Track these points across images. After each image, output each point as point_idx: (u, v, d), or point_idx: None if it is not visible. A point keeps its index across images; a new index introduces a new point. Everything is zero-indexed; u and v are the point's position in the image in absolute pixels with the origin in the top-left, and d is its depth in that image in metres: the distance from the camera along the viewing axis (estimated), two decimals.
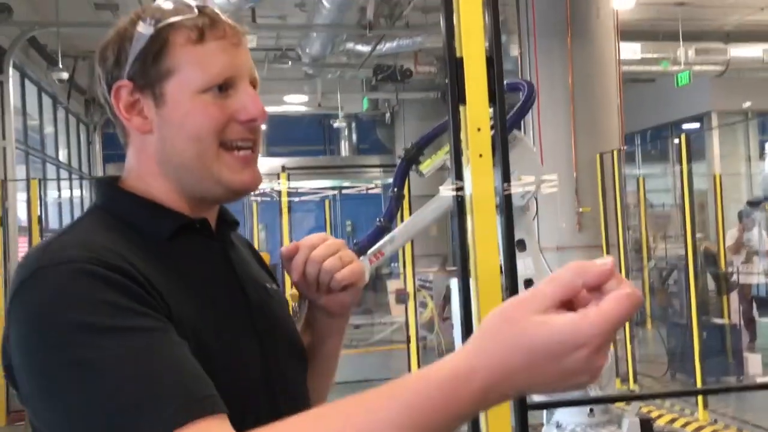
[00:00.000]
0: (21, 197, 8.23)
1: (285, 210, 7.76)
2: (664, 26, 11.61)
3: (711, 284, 9.31)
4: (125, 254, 0.83)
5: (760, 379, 7.12)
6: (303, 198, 14.32)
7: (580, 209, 7.23)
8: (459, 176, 1.69)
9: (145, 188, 0.95)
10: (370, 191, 15.69)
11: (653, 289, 10.69)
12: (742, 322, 8.45)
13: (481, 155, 1.63)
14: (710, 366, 6.72)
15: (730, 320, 8.23)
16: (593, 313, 0.59)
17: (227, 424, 0.73)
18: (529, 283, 3.99)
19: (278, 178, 8.03)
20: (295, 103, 14.81)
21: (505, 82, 1.80)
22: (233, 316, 0.93)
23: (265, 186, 13.71)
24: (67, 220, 11.69)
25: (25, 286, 0.79)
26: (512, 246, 1.83)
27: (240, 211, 14.06)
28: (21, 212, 8.12)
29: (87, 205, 13.73)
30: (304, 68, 12.32)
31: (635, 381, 7.30)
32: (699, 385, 6.22)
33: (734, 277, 9.08)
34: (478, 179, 1.63)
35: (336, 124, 16.64)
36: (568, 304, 0.62)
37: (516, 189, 3.48)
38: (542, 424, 3.86)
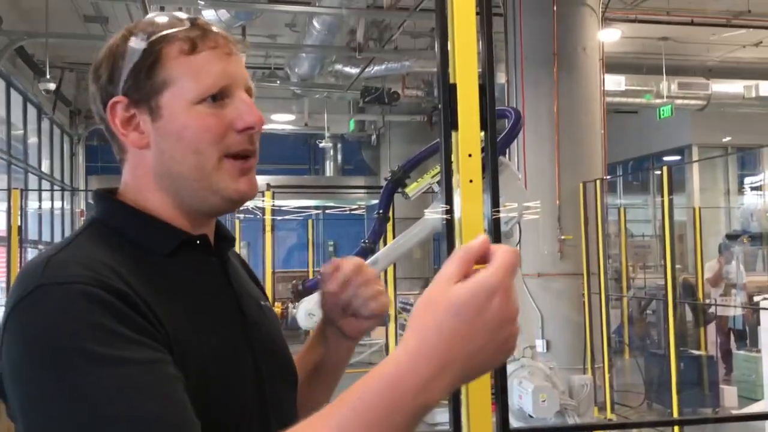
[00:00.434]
0: (1, 207, 8.15)
1: (269, 228, 7.74)
2: (648, 60, 11.82)
3: (689, 315, 9.40)
4: (124, 273, 0.83)
5: (735, 412, 7.17)
6: (286, 217, 14.29)
7: (562, 237, 7.29)
8: (449, 200, 1.71)
9: (144, 203, 0.94)
10: (353, 212, 15.69)
11: (632, 319, 10.76)
12: (719, 354, 8.52)
13: (471, 180, 1.65)
14: (687, 397, 6.76)
15: (707, 352, 8.30)
16: (489, 267, 0.68)
17: None
18: None
19: (263, 196, 8.02)
20: (282, 122, 14.83)
21: None
22: (230, 335, 0.93)
23: (248, 203, 13.65)
24: (47, 232, 11.58)
25: (23, 303, 0.78)
26: None
27: None
28: (0, 222, 8.04)
29: (68, 216, 13.56)
30: (292, 87, 12.37)
31: (612, 410, 7.32)
32: (675, 415, 6.25)
33: (711, 309, 9.17)
34: (468, 204, 1.65)
35: (322, 144, 16.65)
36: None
37: (501, 215, 3.52)
38: None
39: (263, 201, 8.00)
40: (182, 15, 0.95)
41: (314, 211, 15.48)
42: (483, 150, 1.81)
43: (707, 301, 9.21)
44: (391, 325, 9.61)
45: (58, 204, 12.40)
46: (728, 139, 13.57)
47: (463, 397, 1.70)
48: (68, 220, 13.17)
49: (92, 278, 0.79)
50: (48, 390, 0.73)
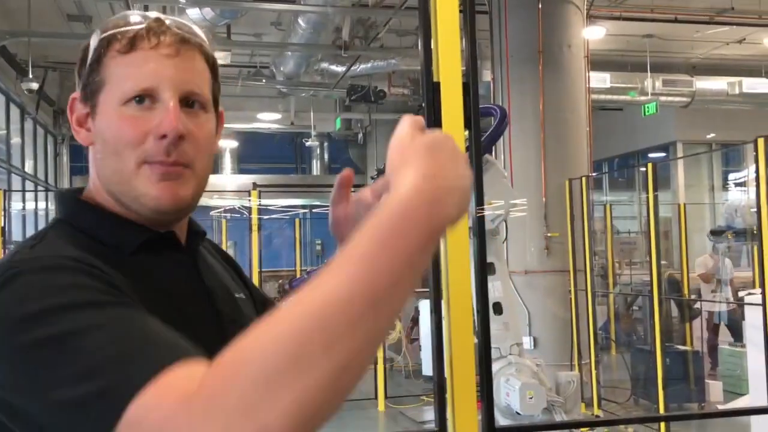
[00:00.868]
0: None
1: (255, 227, 7.71)
2: (633, 57, 11.89)
3: (675, 311, 9.46)
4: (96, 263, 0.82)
5: (721, 407, 7.23)
6: (273, 216, 14.25)
7: (549, 234, 7.32)
8: None
9: (104, 202, 0.94)
10: None
11: (618, 315, 10.81)
12: (705, 350, 8.58)
13: None
14: (673, 392, 6.80)
15: (692, 347, 8.36)
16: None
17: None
18: (496, 306, 4.03)
19: (249, 195, 7.99)
20: (268, 121, 14.79)
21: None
22: (202, 331, 0.90)
23: (234, 203, 13.63)
24: (31, 232, 11.47)
25: None
26: (485, 269, 1.84)
27: (209, 227, 13.93)
28: None
29: (52, 217, 13.61)
30: (278, 86, 12.33)
31: (599, 406, 7.36)
32: (662, 411, 6.29)
33: (697, 305, 9.23)
34: None
35: (308, 143, 16.65)
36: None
37: (486, 212, 3.52)
38: None
39: (249, 200, 7.97)
40: (148, 14, 0.93)
41: (301, 210, 15.46)
42: (468, 149, 1.81)
43: (692, 297, 9.28)
44: None
45: (42, 205, 12.29)
46: (712, 135, 13.68)
47: (448, 395, 1.70)
48: None
49: (62, 256, 0.80)
50: (37, 345, 0.71)
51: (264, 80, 12.24)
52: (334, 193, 0.96)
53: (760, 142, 5.07)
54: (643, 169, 6.86)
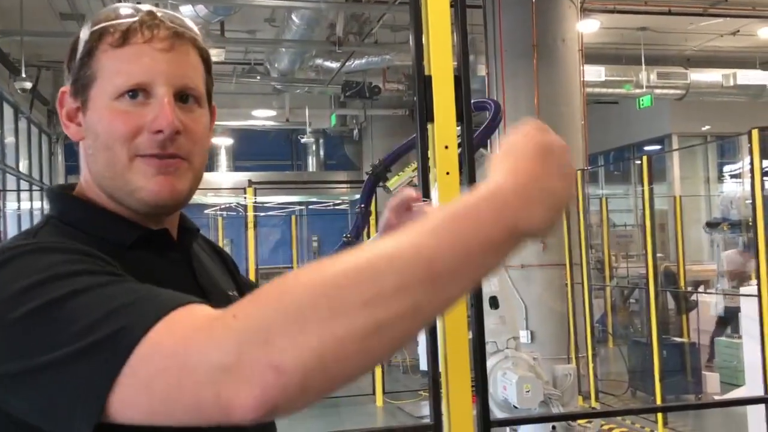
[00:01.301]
0: None
1: (251, 224, 7.70)
2: (627, 50, 11.88)
3: (672, 303, 9.47)
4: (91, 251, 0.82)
5: (717, 397, 7.25)
6: (269, 213, 14.24)
7: None
8: (426, 194, 1.70)
9: (96, 198, 0.93)
10: (337, 207, 15.67)
11: (615, 308, 10.83)
12: (705, 341, 8.59)
13: (448, 173, 1.64)
14: (670, 384, 6.82)
15: (689, 339, 8.38)
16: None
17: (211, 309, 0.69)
18: (493, 300, 4.03)
19: (244, 193, 7.98)
20: (263, 118, 14.76)
21: (472, 101, 1.83)
22: None
23: (230, 200, 13.62)
24: None
25: None
26: None
27: (205, 225, 13.91)
28: None
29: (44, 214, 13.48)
30: (272, 83, 12.30)
31: (597, 399, 7.38)
32: (659, 402, 6.31)
33: (693, 297, 9.25)
34: (446, 197, 1.64)
35: (304, 140, 16.61)
36: None
37: None
38: None
39: (245, 198, 7.96)
40: (140, 6, 0.92)
41: (297, 207, 15.46)
42: (460, 143, 1.80)
43: (689, 289, 9.28)
44: None
45: (37, 204, 12.26)
46: (707, 127, 13.69)
47: (443, 390, 1.70)
48: None
49: (60, 241, 0.81)
50: (34, 313, 0.69)
51: (258, 77, 12.21)
52: (398, 202, 1.05)
53: (755, 133, 5.07)
54: (639, 161, 6.86)
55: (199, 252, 1.03)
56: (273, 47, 10.93)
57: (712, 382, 7.75)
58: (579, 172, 7.35)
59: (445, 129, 1.65)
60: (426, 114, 1.66)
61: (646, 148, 14.32)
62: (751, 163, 5.15)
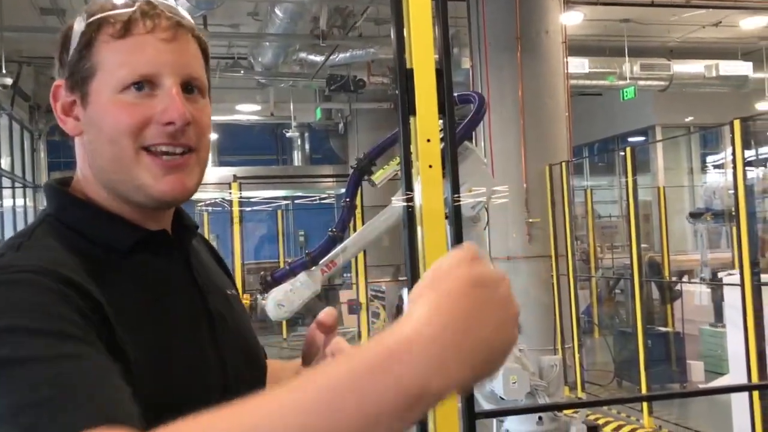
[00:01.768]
0: None
1: (237, 220, 7.69)
2: (611, 42, 11.92)
3: (656, 293, 9.55)
4: (81, 275, 0.79)
5: (702, 386, 7.33)
6: (255, 208, 14.19)
7: (530, 220, 7.35)
8: (409, 187, 1.70)
9: (94, 196, 0.90)
10: (322, 201, 15.64)
11: (600, 299, 10.91)
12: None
13: (430, 166, 1.64)
14: (655, 373, 6.89)
15: (674, 329, 8.45)
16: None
17: None
18: None
19: (229, 188, 7.95)
20: (248, 112, 14.69)
21: (456, 94, 1.83)
22: (194, 329, 0.90)
23: (215, 195, 13.56)
24: (9, 230, 11.35)
25: None
26: None
27: None
28: None
29: (31, 214, 13.34)
30: (256, 77, 12.24)
31: (583, 389, 7.43)
32: (644, 391, 6.37)
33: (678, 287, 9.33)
34: (428, 190, 1.64)
35: (289, 134, 16.56)
36: None
37: (467, 200, 3.53)
38: None
39: (230, 193, 7.94)
40: None
41: (283, 202, 15.41)
42: (443, 137, 1.80)
43: (674, 279, 9.36)
44: (363, 314, 9.62)
45: (20, 201, 12.15)
46: (690, 118, 13.79)
47: None
48: (31, 217, 12.93)
49: (39, 268, 0.76)
50: None
51: (242, 71, 12.13)
52: (314, 329, 0.98)
53: (737, 123, 5.11)
54: (623, 153, 6.90)
55: (198, 251, 1.02)
56: (257, 41, 10.87)
57: (696, 371, 7.83)
58: (564, 163, 7.38)
59: (426, 122, 1.65)
60: (408, 107, 1.66)
61: (630, 139, 14.41)
62: (734, 154, 5.19)
